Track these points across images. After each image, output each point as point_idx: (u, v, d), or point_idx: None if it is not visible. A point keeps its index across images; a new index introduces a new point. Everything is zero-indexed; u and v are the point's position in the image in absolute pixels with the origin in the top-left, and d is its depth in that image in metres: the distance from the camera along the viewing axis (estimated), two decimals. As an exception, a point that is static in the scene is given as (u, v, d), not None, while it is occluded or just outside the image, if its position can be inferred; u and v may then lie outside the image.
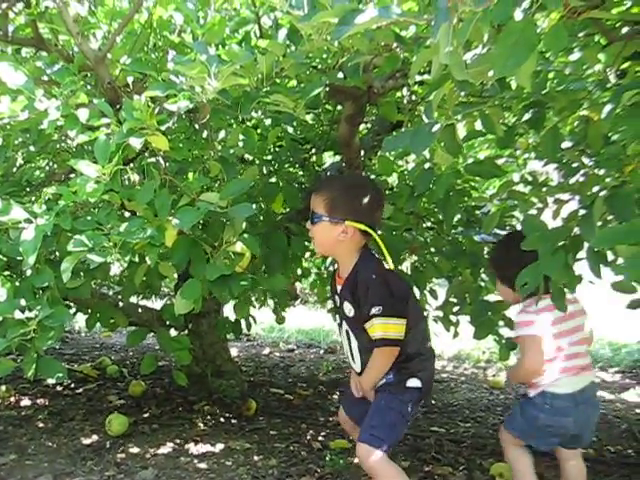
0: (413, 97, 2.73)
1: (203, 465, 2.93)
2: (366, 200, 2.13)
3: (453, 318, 3.36)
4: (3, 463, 2.98)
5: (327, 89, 2.37)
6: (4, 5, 2.26)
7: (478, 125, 2.22)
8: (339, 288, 2.27)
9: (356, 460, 2.95)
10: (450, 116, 1.86)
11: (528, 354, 2.23)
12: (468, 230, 2.96)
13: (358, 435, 2.22)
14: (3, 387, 4.03)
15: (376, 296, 2.11)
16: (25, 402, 3.92)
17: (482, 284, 3.13)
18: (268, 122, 2.86)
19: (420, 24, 2.02)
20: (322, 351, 5.80)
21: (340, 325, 2.34)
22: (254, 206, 2.34)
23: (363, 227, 2.12)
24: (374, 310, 2.09)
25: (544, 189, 2.39)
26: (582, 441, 2.40)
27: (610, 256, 1.95)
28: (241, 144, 2.28)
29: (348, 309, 2.22)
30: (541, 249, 1.86)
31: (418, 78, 2.58)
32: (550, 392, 2.26)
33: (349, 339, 2.28)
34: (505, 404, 4.14)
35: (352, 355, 2.30)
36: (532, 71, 1.43)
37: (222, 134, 2.42)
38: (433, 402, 4.15)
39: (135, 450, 3.11)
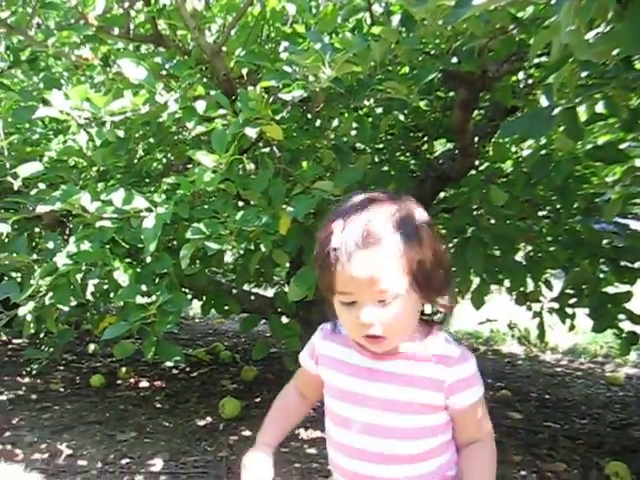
0: (529, 81, 2.64)
1: (313, 450, 2.97)
2: None
3: (569, 310, 3.24)
4: (124, 440, 3.14)
5: (440, 75, 2.33)
6: (126, 4, 2.36)
7: (599, 108, 2.13)
8: None
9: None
10: (571, 99, 1.79)
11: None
12: (587, 218, 2.84)
13: None
14: (123, 369, 4.23)
15: None
16: (143, 384, 4.11)
17: (601, 275, 3.00)
18: (379, 110, 2.84)
19: (538, 4, 1.95)
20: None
21: None
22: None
23: None
24: None
25: (671, 175, 2.27)
26: None
27: None
28: (354, 132, 2.28)
29: None
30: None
31: (535, 61, 2.50)
32: None
33: None
34: (624, 402, 3.97)
35: None
36: (662, 49, 1.35)
37: (335, 123, 2.43)
38: (547, 396, 4.03)
39: (247, 433, 3.19)
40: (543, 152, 2.31)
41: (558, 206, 2.93)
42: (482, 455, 1.22)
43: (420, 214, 1.14)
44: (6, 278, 3.25)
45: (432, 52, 2.28)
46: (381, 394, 1.19)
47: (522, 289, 3.33)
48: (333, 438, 1.28)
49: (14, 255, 2.42)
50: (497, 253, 3.03)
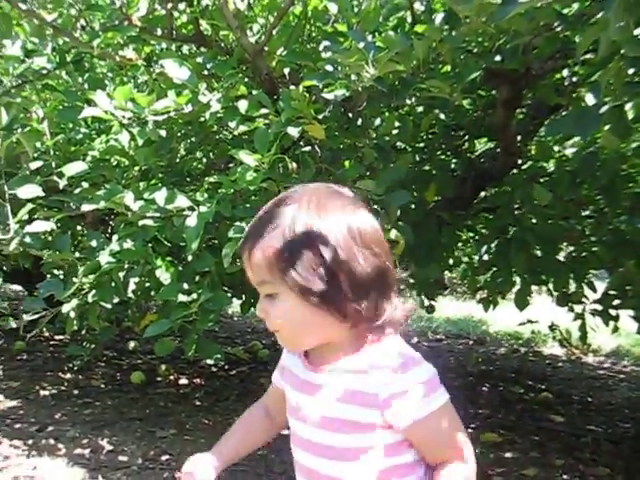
0: (573, 78, 2.60)
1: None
2: None
3: (612, 312, 3.18)
4: (164, 437, 3.17)
5: (482, 73, 2.30)
6: (169, 5, 2.38)
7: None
8: None
9: (507, 455, 2.90)
10: (618, 96, 1.76)
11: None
12: (632, 218, 2.78)
13: None
14: (163, 366, 4.27)
15: None
16: (183, 381, 4.15)
17: (647, 276, 2.95)
18: (420, 109, 2.83)
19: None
20: (471, 342, 5.69)
21: None
22: (406, 194, 2.31)
23: None
24: None
25: None
26: None
27: None
28: (395, 131, 2.26)
29: None
30: None
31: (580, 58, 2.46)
32: None
33: None
34: (670, 405, 3.89)
35: None
36: None
37: (376, 122, 2.42)
38: (589, 400, 3.96)
39: (286, 432, 3.19)
40: (588, 150, 2.26)
41: (602, 205, 2.88)
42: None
43: (342, 221, 1.02)
44: (48, 275, 3.31)
45: (475, 50, 2.25)
46: (317, 410, 1.09)
47: (564, 290, 3.29)
48: (292, 453, 1.20)
49: (58, 253, 2.46)
50: (538, 253, 2.99)
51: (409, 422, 1.01)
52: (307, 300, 1.00)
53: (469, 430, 3.27)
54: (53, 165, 2.40)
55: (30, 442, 3.05)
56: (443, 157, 3.27)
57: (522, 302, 2.95)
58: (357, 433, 1.04)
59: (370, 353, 1.05)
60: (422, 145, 3.17)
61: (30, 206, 2.20)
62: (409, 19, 2.44)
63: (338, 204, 1.05)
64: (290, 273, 1.00)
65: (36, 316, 2.48)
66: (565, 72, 2.57)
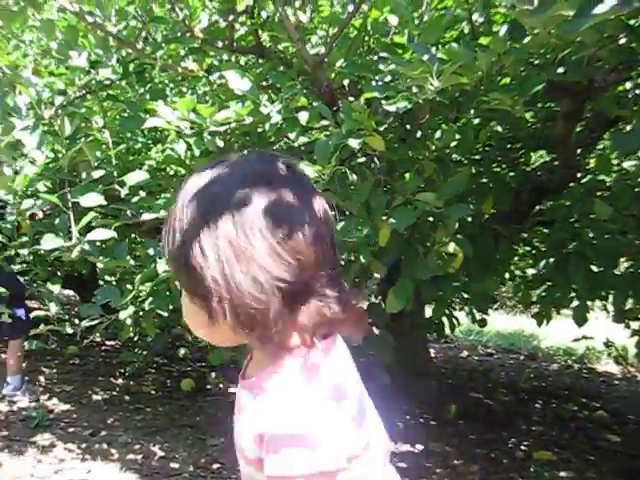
0: (637, 91, 2.54)
1: (402, 464, 2.93)
2: None
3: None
4: (215, 445, 3.19)
5: (543, 85, 2.27)
6: (230, 17, 2.40)
7: None
8: None
9: (562, 474, 2.84)
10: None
11: None
12: (695, 234, 2.71)
13: None
14: (213, 374, 4.30)
15: None
16: (232, 389, 4.16)
17: None
18: (476, 121, 2.79)
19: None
20: (522, 357, 5.60)
21: None
22: (463, 207, 2.28)
23: None
24: None
25: None
26: None
27: None
28: (453, 144, 2.24)
29: None
30: None
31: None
32: None
33: None
34: None
35: None
36: None
37: (437, 134, 2.40)
38: (647, 419, 3.86)
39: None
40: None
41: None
42: None
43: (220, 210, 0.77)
44: (101, 282, 3.37)
45: (536, 62, 2.22)
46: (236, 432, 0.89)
47: (621, 306, 3.21)
48: None
49: (114, 260, 2.49)
50: (595, 268, 2.93)
51: (267, 474, 0.78)
52: (190, 299, 0.83)
53: (522, 447, 3.22)
54: (115, 174, 2.44)
55: (84, 446, 3.10)
56: (498, 170, 3.24)
57: (581, 318, 2.89)
58: (251, 466, 0.84)
59: (272, 371, 0.82)
60: (478, 157, 3.14)
61: (92, 214, 2.23)
62: (466, 30, 2.42)
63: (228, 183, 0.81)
64: (174, 267, 0.83)
65: (94, 322, 2.51)
66: (628, 84, 2.52)
